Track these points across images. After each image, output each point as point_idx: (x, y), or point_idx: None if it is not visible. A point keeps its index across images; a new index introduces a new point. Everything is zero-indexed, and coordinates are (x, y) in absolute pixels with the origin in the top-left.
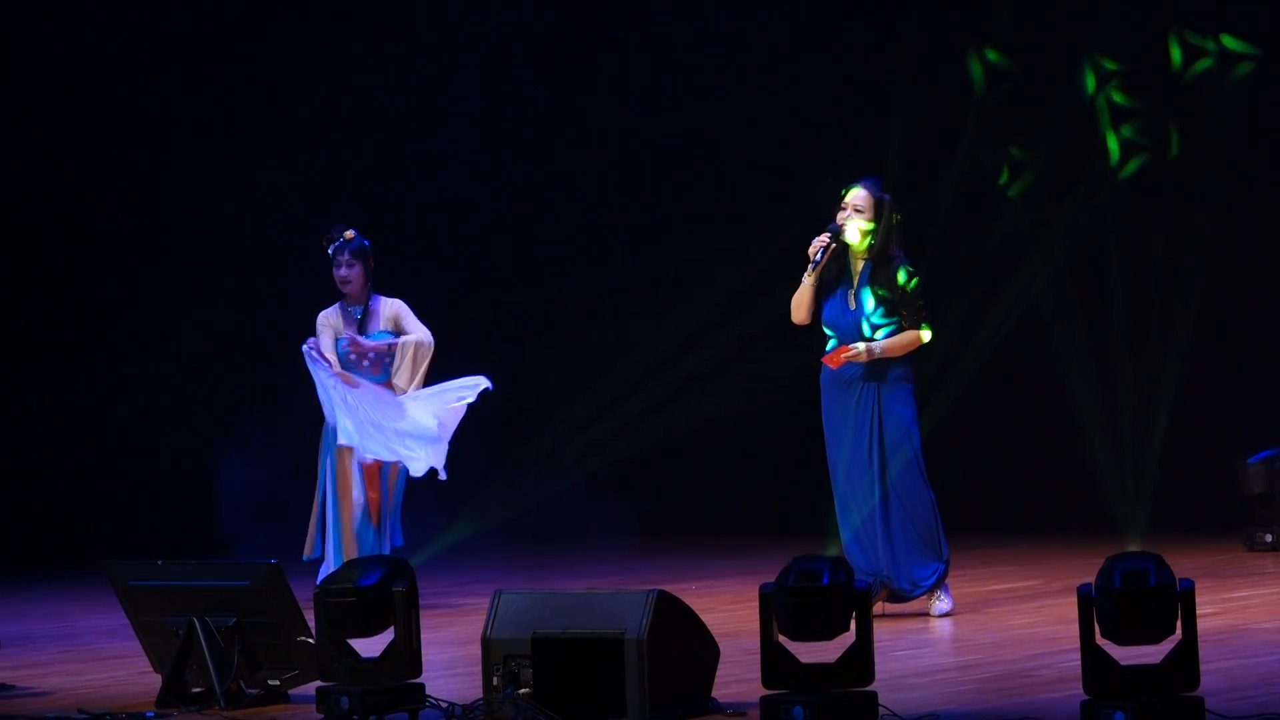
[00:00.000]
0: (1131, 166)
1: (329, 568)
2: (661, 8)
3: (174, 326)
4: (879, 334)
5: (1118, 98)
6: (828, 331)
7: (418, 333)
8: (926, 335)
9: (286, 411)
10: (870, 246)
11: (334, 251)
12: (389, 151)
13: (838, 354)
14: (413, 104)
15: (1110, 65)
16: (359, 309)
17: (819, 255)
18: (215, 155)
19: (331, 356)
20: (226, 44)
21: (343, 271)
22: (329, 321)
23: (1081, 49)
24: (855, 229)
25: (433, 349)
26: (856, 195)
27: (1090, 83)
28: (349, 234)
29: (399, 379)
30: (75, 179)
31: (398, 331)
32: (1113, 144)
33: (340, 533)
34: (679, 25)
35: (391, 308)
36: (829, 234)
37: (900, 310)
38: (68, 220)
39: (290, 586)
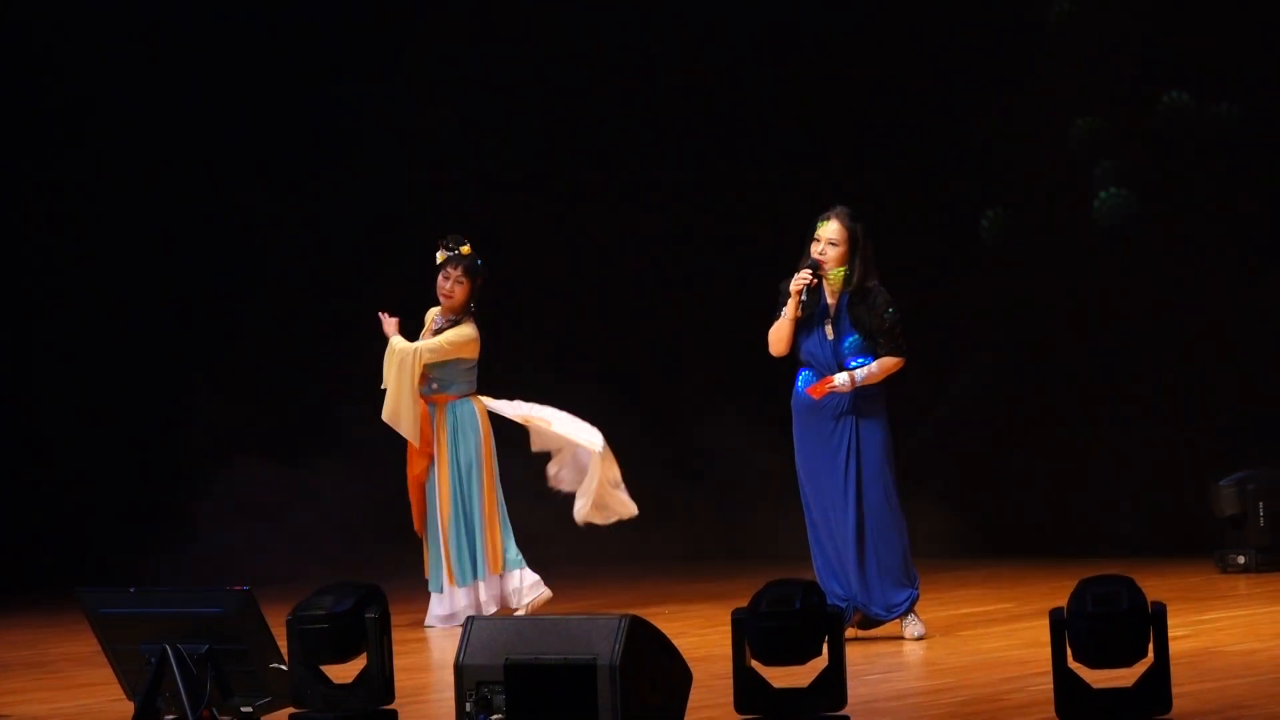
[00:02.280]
0: (1106, 199)
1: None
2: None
3: (152, 350)
4: (855, 365)
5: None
6: (805, 362)
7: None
8: (901, 361)
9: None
10: (847, 278)
11: (444, 262)
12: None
13: (821, 385)
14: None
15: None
16: (445, 322)
17: (802, 296)
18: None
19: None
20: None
21: (448, 285)
22: (429, 320)
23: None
24: (832, 262)
25: (408, 355)
26: (829, 228)
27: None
28: (465, 248)
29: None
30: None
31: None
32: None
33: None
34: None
35: (461, 330)
36: (809, 269)
37: (877, 338)
38: (44, 247)
39: (263, 613)
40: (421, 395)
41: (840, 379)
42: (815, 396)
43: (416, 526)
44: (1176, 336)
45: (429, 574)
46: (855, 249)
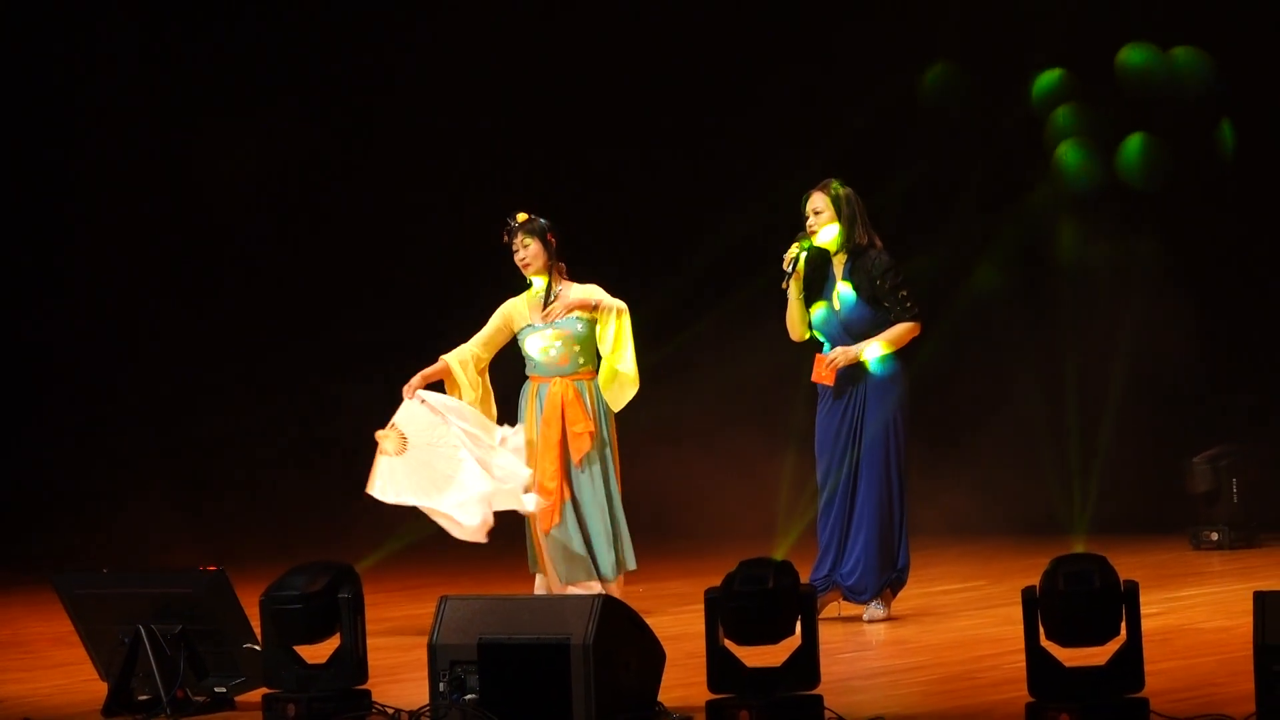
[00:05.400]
0: (1072, 158)
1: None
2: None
3: (125, 336)
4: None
5: (1063, 117)
6: (819, 338)
7: (613, 300)
8: (916, 327)
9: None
10: (844, 243)
11: (509, 237)
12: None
13: (819, 368)
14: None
15: (1054, 75)
16: (544, 294)
17: (790, 267)
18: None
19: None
20: None
21: (520, 254)
22: (506, 310)
23: (1029, 59)
24: (824, 232)
25: (627, 314)
26: (814, 199)
27: (1042, 84)
28: (521, 216)
29: (603, 347)
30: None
31: (591, 317)
32: (1069, 155)
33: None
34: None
35: (583, 291)
36: (796, 243)
37: (884, 303)
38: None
39: (236, 593)
40: (566, 373)
41: (833, 353)
42: (828, 383)
43: (555, 516)
44: (1150, 312)
45: (563, 563)
46: (841, 212)
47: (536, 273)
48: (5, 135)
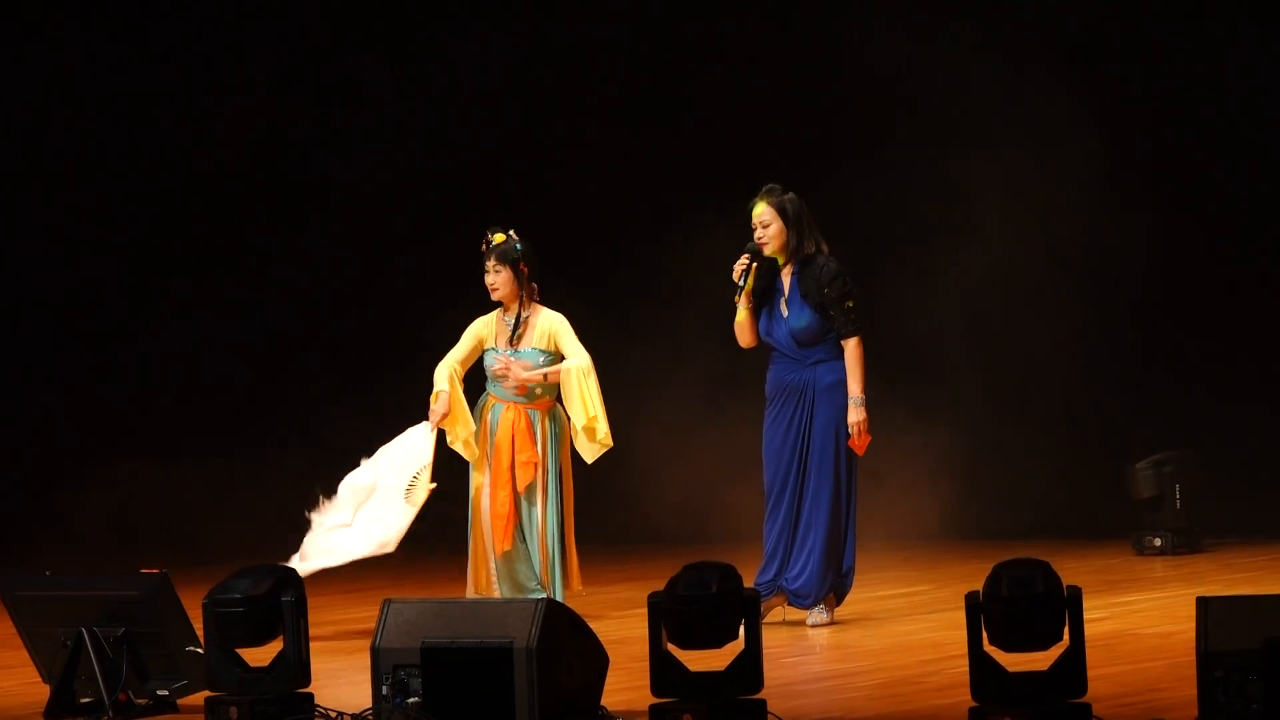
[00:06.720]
0: None
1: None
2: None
3: (73, 337)
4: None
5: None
6: (772, 347)
7: (574, 357)
8: (861, 341)
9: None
10: (792, 250)
11: (483, 256)
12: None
13: (854, 443)
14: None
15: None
16: (512, 319)
17: (742, 279)
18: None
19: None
20: None
21: (489, 277)
22: (478, 329)
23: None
24: (771, 241)
25: (593, 371)
26: (759, 210)
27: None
28: (497, 236)
29: (573, 413)
30: None
31: (554, 350)
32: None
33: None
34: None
35: (550, 322)
36: (748, 254)
37: (829, 312)
38: None
39: (179, 596)
40: (521, 401)
41: (854, 430)
42: (869, 439)
43: (506, 542)
44: (1092, 316)
45: (486, 587)
46: (788, 221)
47: (504, 299)
48: None
